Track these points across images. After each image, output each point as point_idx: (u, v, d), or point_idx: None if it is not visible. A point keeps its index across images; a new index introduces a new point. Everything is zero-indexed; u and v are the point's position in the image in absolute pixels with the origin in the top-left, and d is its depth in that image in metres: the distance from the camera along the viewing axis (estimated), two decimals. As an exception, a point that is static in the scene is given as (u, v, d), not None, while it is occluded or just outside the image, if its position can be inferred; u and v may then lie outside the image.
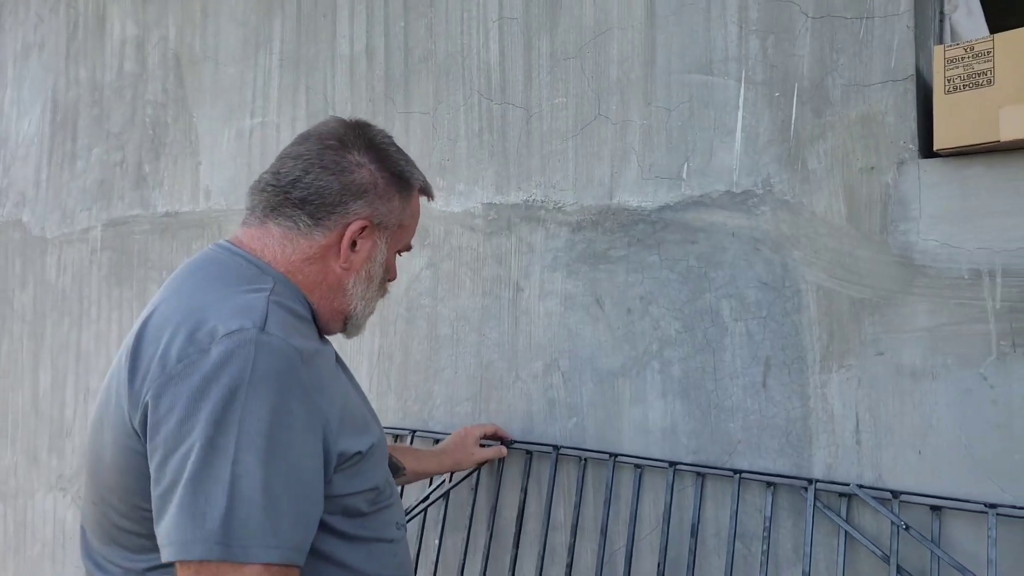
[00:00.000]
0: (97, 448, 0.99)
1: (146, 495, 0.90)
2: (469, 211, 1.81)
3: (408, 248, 1.22)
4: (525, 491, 1.66)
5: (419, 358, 1.87)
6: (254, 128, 2.25)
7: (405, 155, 1.18)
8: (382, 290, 1.18)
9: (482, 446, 1.65)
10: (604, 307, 1.62)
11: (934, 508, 1.28)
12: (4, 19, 3.23)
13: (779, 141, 1.45)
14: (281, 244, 1.07)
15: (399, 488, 1.24)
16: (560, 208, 1.68)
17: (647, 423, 1.56)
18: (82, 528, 1.07)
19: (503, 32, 1.77)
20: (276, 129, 2.17)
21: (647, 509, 1.55)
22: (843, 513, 1.34)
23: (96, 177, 2.73)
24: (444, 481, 1.74)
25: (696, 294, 1.52)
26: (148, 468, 0.90)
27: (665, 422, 1.54)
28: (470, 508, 1.71)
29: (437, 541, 1.76)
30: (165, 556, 0.85)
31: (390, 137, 1.17)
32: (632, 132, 1.60)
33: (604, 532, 1.55)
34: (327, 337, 1.16)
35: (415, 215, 1.20)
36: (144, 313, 1.00)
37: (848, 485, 1.34)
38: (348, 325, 1.15)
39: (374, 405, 1.90)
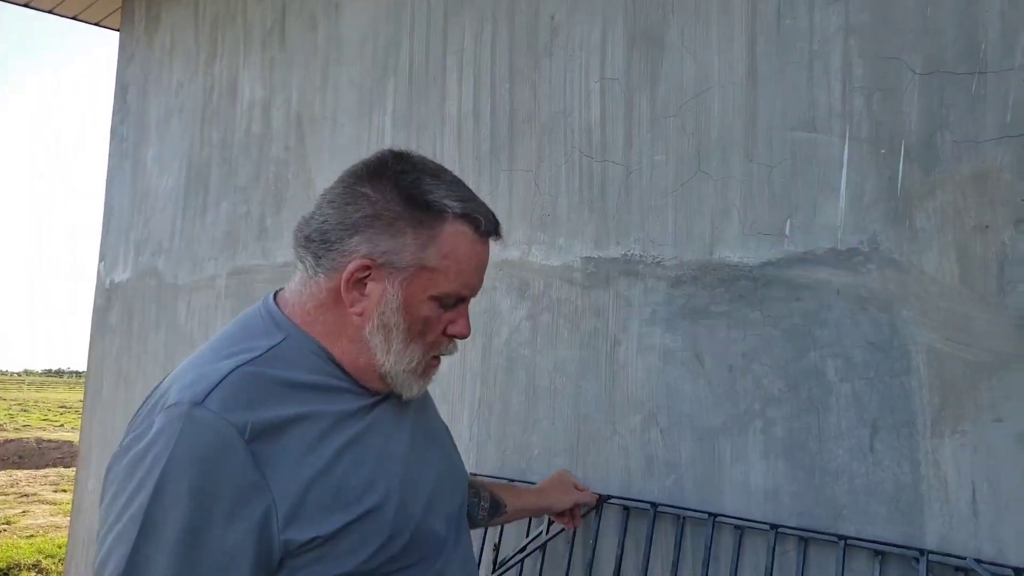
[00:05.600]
0: None
1: None
2: (568, 264, 1.85)
3: (461, 298, 0.99)
4: (622, 547, 1.66)
5: (517, 408, 1.91)
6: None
7: (448, 181, 0.98)
8: (423, 344, 0.98)
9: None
10: (704, 363, 1.61)
11: (1064, 589, 1.20)
12: (149, 86, 3.58)
13: (886, 199, 1.42)
14: (299, 291, 0.99)
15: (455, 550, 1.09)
16: (659, 263, 1.70)
17: (748, 483, 1.53)
18: None
19: (604, 92, 1.83)
20: (387, 185, 2.29)
21: (747, 572, 1.51)
22: (960, 589, 1.27)
23: (223, 228, 2.95)
24: (541, 533, 1.75)
25: (800, 352, 1.49)
26: None
27: (767, 483, 1.51)
28: (566, 561, 1.72)
29: (533, 592, 1.77)
30: None
31: (432, 163, 1.00)
32: (733, 188, 1.61)
33: (702, 593, 1.52)
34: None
35: (453, 255, 0.96)
36: None
37: (965, 559, 1.27)
38: (388, 383, 0.99)
39: (471, 456, 1.95)
